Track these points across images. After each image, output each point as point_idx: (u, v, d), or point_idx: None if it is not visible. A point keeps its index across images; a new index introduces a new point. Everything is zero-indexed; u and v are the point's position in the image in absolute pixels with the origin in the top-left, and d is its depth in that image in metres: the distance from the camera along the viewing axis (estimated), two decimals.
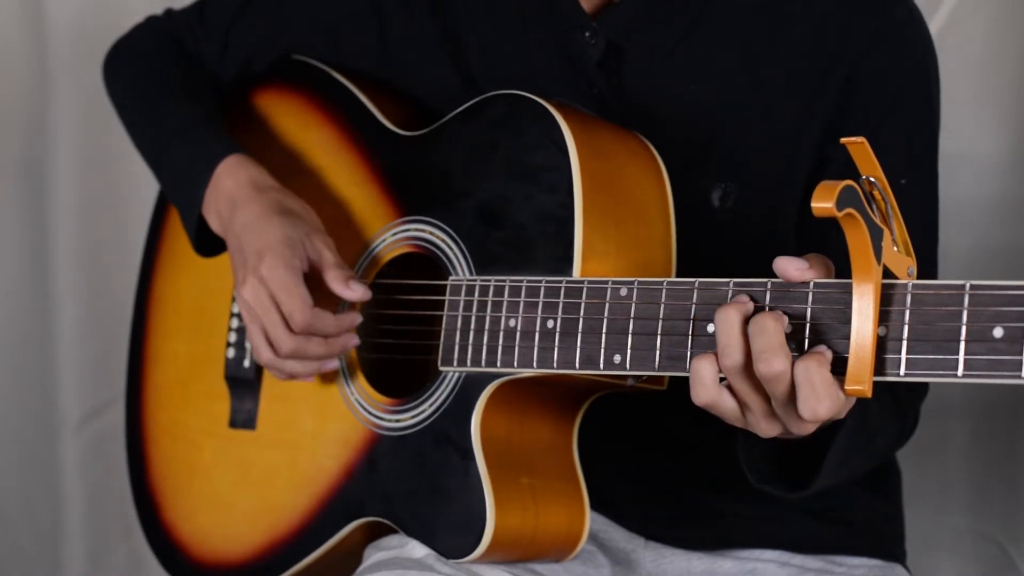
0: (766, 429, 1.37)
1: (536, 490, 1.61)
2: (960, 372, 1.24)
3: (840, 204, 1.21)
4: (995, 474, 2.26)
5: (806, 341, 1.32)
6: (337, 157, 1.81)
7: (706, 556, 1.75)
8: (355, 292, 1.68)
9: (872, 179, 1.26)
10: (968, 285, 1.25)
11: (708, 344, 1.38)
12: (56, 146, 2.62)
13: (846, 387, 1.28)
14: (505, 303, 1.55)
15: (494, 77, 1.74)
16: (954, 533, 2.29)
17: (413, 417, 1.64)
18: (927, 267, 1.66)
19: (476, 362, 1.57)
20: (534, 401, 1.61)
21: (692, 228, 1.62)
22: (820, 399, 1.29)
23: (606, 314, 1.46)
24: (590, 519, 1.65)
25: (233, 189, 1.75)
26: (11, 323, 2.70)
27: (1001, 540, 2.26)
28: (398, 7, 1.83)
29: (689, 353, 1.39)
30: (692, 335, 1.39)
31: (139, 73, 1.98)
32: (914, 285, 1.27)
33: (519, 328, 1.53)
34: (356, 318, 1.70)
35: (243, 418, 1.83)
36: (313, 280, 1.68)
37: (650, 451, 1.75)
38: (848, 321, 1.28)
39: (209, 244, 1.81)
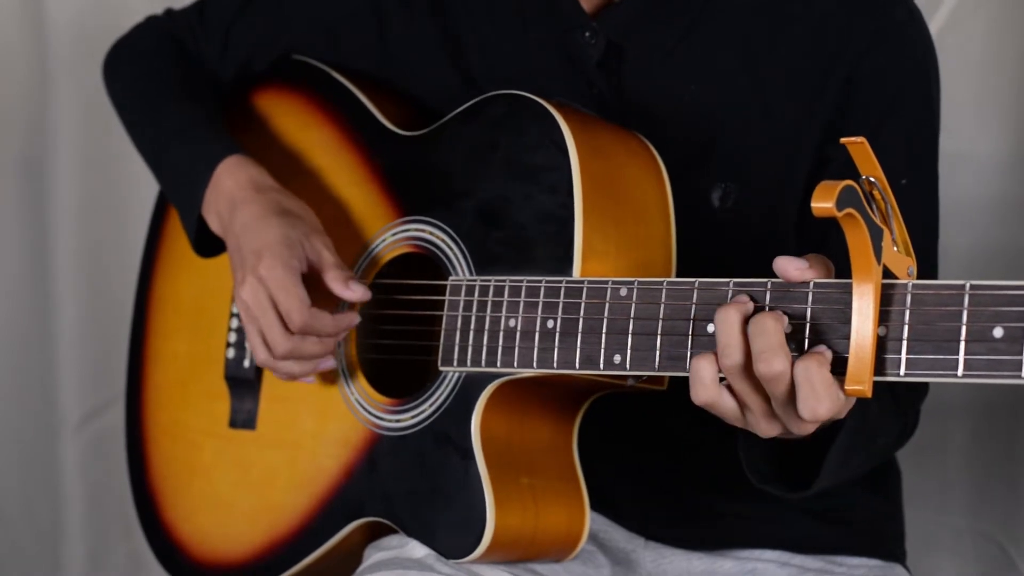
0: (766, 429, 1.37)
1: (536, 490, 1.61)
2: (960, 372, 1.24)
3: (840, 204, 1.21)
4: (995, 474, 2.26)
5: (806, 341, 1.32)
6: (337, 157, 1.81)
7: (706, 556, 1.75)
8: (355, 293, 1.68)
9: (872, 179, 1.26)
10: (968, 285, 1.25)
11: (708, 344, 1.38)
12: (56, 146, 2.62)
13: (846, 387, 1.28)
14: (505, 303, 1.55)
15: (494, 77, 1.74)
16: (954, 533, 2.29)
17: (413, 417, 1.64)
18: (927, 267, 1.66)
19: (476, 362, 1.57)
20: (534, 401, 1.61)
21: (692, 228, 1.62)
22: (820, 399, 1.29)
23: (606, 314, 1.46)
24: (590, 519, 1.65)
25: (233, 189, 1.75)
26: (11, 323, 2.70)
27: (1001, 540, 2.26)
28: (398, 7, 1.83)
29: (689, 353, 1.39)
30: (692, 335, 1.39)
31: (139, 73, 1.98)
32: (914, 285, 1.27)
33: (519, 328, 1.53)
34: (354, 319, 1.70)
35: (243, 418, 1.83)
36: (312, 281, 1.68)
37: (650, 451, 1.75)
38: (848, 321, 1.28)
39: (209, 244, 1.81)
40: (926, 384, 1.69)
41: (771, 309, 1.33)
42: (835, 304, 1.31)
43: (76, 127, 2.62)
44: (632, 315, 1.44)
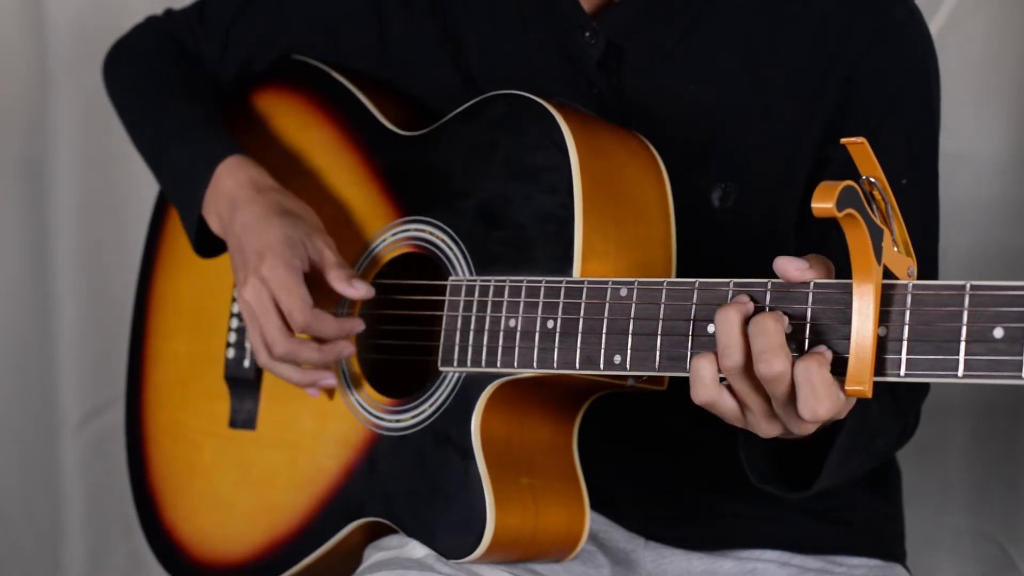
0: (766, 429, 1.37)
1: (536, 490, 1.61)
2: (960, 372, 1.24)
3: (840, 204, 1.21)
4: (995, 474, 2.26)
5: (806, 341, 1.32)
6: (337, 157, 1.81)
7: (706, 556, 1.75)
8: (358, 290, 1.68)
9: (872, 179, 1.26)
10: (968, 285, 1.25)
11: (708, 344, 1.38)
12: (56, 146, 2.62)
13: (846, 387, 1.28)
14: (505, 303, 1.55)
15: (494, 77, 1.74)
16: (954, 533, 2.29)
17: (413, 417, 1.64)
18: (927, 267, 1.66)
19: (476, 362, 1.57)
20: (534, 401, 1.61)
21: (692, 228, 1.62)
22: (820, 399, 1.29)
23: (606, 314, 1.46)
24: (590, 519, 1.65)
25: (233, 189, 1.75)
26: (11, 323, 2.70)
27: (1001, 540, 2.26)
28: (398, 7, 1.83)
29: (689, 353, 1.39)
30: (692, 335, 1.39)
31: (139, 73, 1.98)
32: (914, 285, 1.27)
33: (519, 328, 1.53)
34: (357, 324, 1.70)
35: (243, 418, 1.83)
36: (313, 281, 1.68)
37: (650, 451, 1.75)
38: (848, 321, 1.28)
39: (209, 245, 1.81)
40: (926, 384, 1.69)
41: (771, 309, 1.33)
42: (835, 304, 1.31)
43: (76, 127, 2.62)
44: (632, 315, 1.44)
